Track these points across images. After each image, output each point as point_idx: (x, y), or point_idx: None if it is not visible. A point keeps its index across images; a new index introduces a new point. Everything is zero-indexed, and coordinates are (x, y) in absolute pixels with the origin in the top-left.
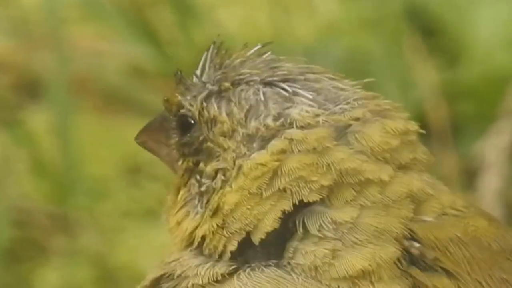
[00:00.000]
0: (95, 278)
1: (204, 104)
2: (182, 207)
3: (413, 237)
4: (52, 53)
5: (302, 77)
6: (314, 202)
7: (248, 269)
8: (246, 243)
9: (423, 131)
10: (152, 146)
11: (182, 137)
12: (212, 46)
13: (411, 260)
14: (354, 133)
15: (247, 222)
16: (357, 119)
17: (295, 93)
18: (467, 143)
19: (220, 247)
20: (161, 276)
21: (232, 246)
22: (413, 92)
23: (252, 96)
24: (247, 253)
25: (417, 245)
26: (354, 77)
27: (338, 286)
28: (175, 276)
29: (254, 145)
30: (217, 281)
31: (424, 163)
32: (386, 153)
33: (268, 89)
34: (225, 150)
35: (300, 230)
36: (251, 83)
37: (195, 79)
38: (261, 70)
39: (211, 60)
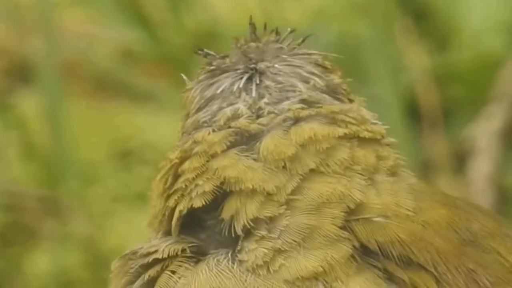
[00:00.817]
0: (85, 262)
1: (193, 84)
2: None
3: (359, 240)
4: (42, 37)
5: (272, 73)
6: (199, 208)
7: (216, 257)
8: (189, 220)
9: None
10: None
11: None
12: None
13: (378, 256)
14: (256, 140)
15: (162, 213)
16: (265, 125)
17: (246, 89)
18: (458, 127)
19: (161, 229)
20: (130, 252)
21: (160, 233)
22: (404, 76)
23: (215, 88)
24: (206, 237)
25: (373, 240)
26: (345, 61)
27: (302, 285)
28: (138, 254)
29: (184, 138)
30: (176, 256)
31: (353, 167)
32: (281, 161)
33: (238, 82)
34: (180, 135)
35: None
36: (238, 71)
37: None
38: (248, 59)
39: (236, 45)
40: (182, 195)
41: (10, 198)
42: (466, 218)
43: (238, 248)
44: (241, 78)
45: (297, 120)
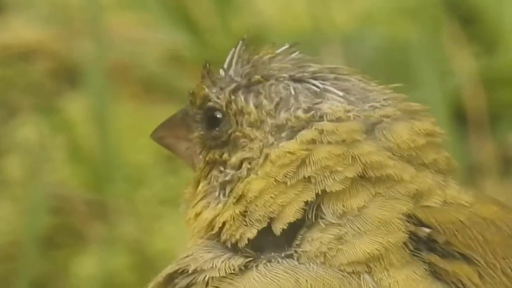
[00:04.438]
0: (133, 265)
1: (232, 97)
2: (202, 198)
3: (417, 221)
4: (91, 40)
5: (332, 76)
6: (336, 192)
7: (264, 261)
8: (263, 233)
9: (443, 135)
10: (170, 142)
11: (209, 130)
12: (240, 42)
13: (425, 246)
14: (383, 129)
15: (270, 210)
16: (387, 116)
17: (326, 90)
18: (504, 131)
19: (238, 235)
20: (175, 272)
21: (251, 234)
22: (451, 80)
23: (283, 90)
24: (262, 242)
25: (425, 229)
26: (392, 65)
27: (353, 271)
28: (190, 271)
29: (283, 135)
30: (234, 273)
31: (443, 166)
32: (412, 151)
33: (298, 85)
34: (252, 140)
35: (310, 218)
36: (281, 78)
37: (222, 73)
38: (290, 67)
39: (239, 56)
40: (309, 184)
41: (57, 201)
42: None
43: (297, 242)
44: (298, 82)
45: (408, 115)
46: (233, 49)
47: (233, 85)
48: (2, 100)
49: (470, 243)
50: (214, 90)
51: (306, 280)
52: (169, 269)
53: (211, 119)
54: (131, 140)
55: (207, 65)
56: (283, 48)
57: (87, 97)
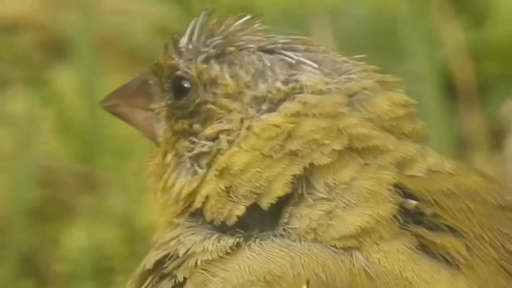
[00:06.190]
0: (121, 237)
1: (204, 66)
2: (172, 170)
3: (405, 192)
4: (78, 11)
5: (303, 47)
6: (324, 165)
7: (258, 239)
8: (251, 209)
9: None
10: (124, 110)
11: (176, 100)
12: (203, 13)
13: (412, 218)
14: (362, 101)
15: (257, 185)
16: (365, 88)
17: (300, 61)
18: (493, 103)
19: (226, 212)
20: (164, 257)
21: (239, 210)
22: (439, 52)
23: (257, 61)
24: (248, 220)
25: (413, 201)
26: (380, 37)
27: (343, 246)
28: (180, 255)
29: (264, 107)
30: (227, 254)
31: (420, 134)
32: (392, 121)
33: (271, 56)
34: (229, 111)
35: (299, 193)
36: (251, 49)
37: (186, 44)
38: (259, 38)
39: (202, 27)
40: (295, 158)
41: (46, 173)
42: (499, 188)
43: (285, 220)
44: (270, 53)
45: (383, 86)
46: (194, 20)
47: (203, 56)
48: None
49: (457, 214)
50: (182, 60)
51: (300, 257)
52: (155, 256)
53: (178, 89)
54: None
55: (175, 36)
56: (245, 18)
57: (75, 69)
